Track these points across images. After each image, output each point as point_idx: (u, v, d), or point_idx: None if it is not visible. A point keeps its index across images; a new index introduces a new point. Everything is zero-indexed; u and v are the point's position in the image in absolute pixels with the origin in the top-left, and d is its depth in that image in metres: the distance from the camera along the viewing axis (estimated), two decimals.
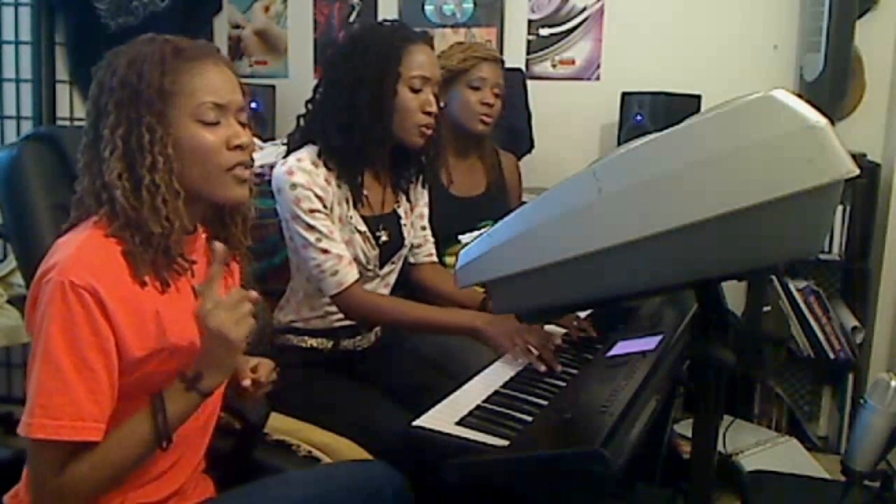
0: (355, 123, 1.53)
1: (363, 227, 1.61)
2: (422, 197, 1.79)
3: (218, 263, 1.02)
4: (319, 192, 1.53)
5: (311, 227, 1.52)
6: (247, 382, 1.16)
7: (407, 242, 1.73)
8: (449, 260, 1.96)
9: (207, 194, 1.06)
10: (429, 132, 1.61)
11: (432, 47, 1.63)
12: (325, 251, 1.52)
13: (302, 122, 1.64)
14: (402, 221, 1.71)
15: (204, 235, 1.14)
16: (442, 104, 2.02)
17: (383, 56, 1.54)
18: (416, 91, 1.57)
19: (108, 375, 0.96)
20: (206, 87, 1.03)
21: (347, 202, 1.59)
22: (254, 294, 1.02)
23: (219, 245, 1.04)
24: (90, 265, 0.95)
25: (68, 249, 0.97)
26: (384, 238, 1.65)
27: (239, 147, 1.05)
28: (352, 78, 1.54)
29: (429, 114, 1.59)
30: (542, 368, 1.30)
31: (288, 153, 1.59)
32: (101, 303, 0.94)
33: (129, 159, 0.99)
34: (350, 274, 1.55)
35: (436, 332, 1.63)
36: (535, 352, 1.34)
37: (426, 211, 1.80)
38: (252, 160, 1.10)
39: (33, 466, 0.97)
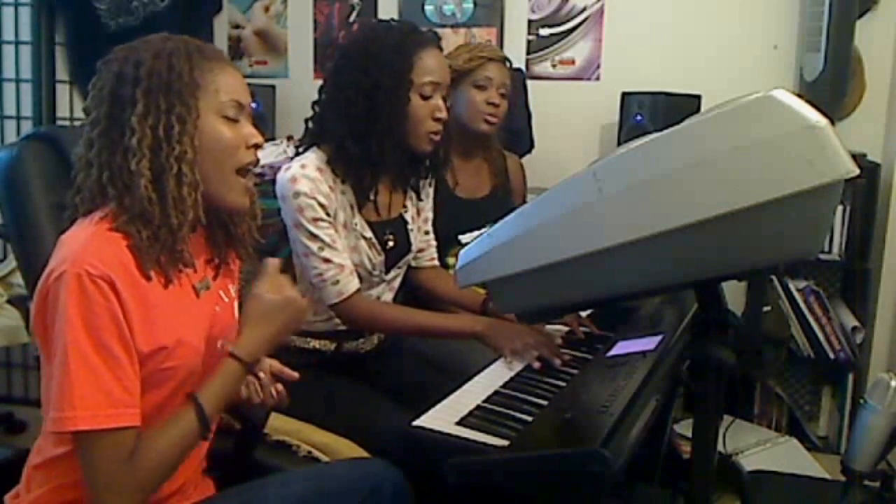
0: (372, 132, 1.51)
1: (368, 233, 1.59)
2: (427, 201, 1.78)
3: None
4: (323, 200, 1.50)
5: (313, 236, 1.51)
6: (256, 399, 1.23)
7: (413, 247, 1.72)
8: (451, 261, 1.95)
9: (213, 193, 1.07)
10: (437, 138, 1.59)
11: (441, 49, 1.60)
12: (326, 260, 1.51)
13: (310, 125, 1.61)
14: (409, 226, 1.70)
15: (203, 237, 1.16)
16: (448, 104, 2.03)
17: (396, 63, 1.51)
18: (426, 98, 1.54)
19: (130, 362, 0.97)
20: (229, 85, 1.07)
21: (352, 208, 1.57)
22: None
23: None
24: (103, 256, 0.95)
25: (77, 243, 0.97)
26: (391, 244, 1.64)
27: (256, 146, 1.10)
28: (366, 85, 1.51)
29: (438, 120, 1.56)
30: (557, 363, 1.34)
31: (295, 157, 1.57)
32: (118, 292, 0.95)
33: (156, 149, 1.01)
34: (351, 283, 1.54)
35: (437, 337, 1.63)
36: (536, 352, 1.34)
37: (430, 215, 1.79)
38: (257, 161, 1.12)
39: (95, 462, 0.95)
